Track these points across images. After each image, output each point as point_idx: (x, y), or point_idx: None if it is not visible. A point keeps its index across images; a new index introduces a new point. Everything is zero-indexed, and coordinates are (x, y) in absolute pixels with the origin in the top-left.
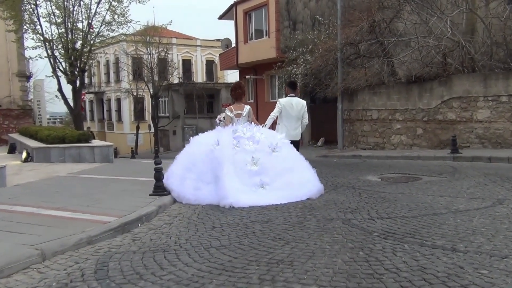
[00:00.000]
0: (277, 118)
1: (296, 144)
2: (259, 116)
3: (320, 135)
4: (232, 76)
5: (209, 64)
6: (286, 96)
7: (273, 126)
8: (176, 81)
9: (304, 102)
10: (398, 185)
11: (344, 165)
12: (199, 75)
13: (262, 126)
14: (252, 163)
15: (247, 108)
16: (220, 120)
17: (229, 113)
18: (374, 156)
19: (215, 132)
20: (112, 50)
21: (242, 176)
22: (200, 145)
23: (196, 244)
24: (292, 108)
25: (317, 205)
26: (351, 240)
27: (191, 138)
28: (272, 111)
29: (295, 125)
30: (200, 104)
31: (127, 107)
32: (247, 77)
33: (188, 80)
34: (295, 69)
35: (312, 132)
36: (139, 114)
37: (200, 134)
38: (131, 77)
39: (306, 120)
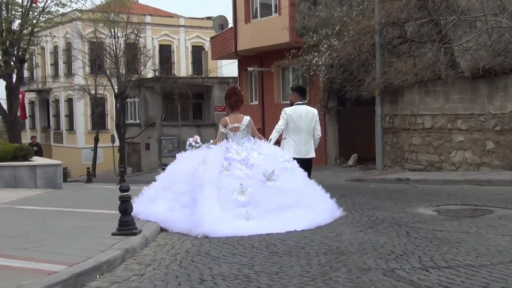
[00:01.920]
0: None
1: (308, 164)
2: (266, 125)
3: (351, 151)
4: (229, 68)
5: (197, 51)
6: (292, 104)
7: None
8: (150, 75)
9: (315, 111)
10: (462, 221)
11: (385, 192)
12: (183, 67)
13: (268, 141)
14: (240, 191)
15: (246, 119)
16: (191, 145)
17: (222, 129)
18: (427, 180)
19: (205, 149)
20: (63, 32)
21: (225, 205)
22: (185, 162)
23: None
24: (301, 118)
25: (347, 249)
26: None
27: (178, 154)
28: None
29: (305, 139)
30: (184, 107)
31: (82, 111)
32: (249, 69)
33: (167, 74)
34: (316, 58)
35: (340, 146)
36: (98, 121)
37: (188, 149)
38: (88, 69)
39: (318, 132)
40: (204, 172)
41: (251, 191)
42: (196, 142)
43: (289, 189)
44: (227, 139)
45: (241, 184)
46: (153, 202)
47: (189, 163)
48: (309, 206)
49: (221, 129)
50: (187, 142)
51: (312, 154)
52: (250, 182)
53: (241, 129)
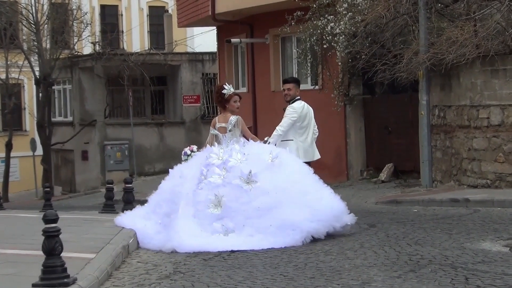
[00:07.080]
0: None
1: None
2: (259, 122)
3: (384, 160)
4: (203, 40)
5: (156, 15)
6: (290, 100)
7: None
8: (88, 50)
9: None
10: None
11: (434, 220)
12: (136, 38)
13: (266, 142)
14: (216, 203)
15: (233, 119)
16: (186, 154)
17: (211, 131)
18: (494, 202)
19: (192, 159)
20: None
21: (202, 221)
22: (172, 178)
23: None
24: (307, 116)
25: None
26: None
27: (175, 167)
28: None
29: (311, 139)
30: (139, 98)
31: None
32: (233, 40)
33: (112, 49)
34: (332, 24)
35: (368, 153)
36: (12, 119)
37: (183, 160)
38: None
39: (317, 130)
40: (181, 187)
41: (225, 200)
42: (192, 151)
43: (273, 187)
44: (218, 142)
45: (215, 195)
46: (144, 220)
47: (175, 179)
48: (301, 206)
49: (211, 131)
50: (183, 152)
51: (318, 155)
52: (225, 190)
53: (229, 130)
